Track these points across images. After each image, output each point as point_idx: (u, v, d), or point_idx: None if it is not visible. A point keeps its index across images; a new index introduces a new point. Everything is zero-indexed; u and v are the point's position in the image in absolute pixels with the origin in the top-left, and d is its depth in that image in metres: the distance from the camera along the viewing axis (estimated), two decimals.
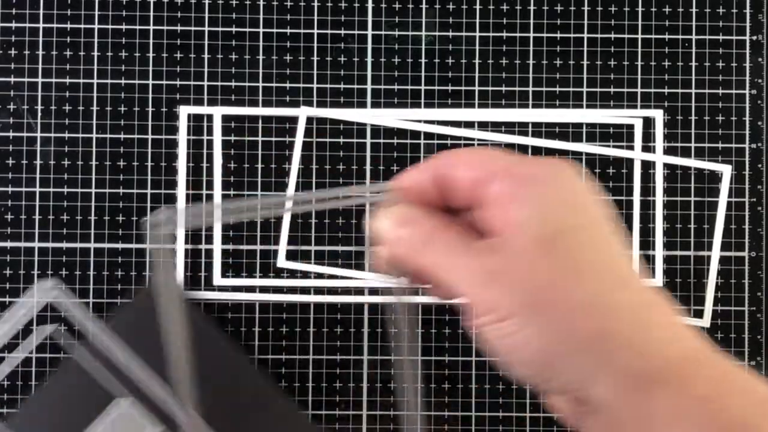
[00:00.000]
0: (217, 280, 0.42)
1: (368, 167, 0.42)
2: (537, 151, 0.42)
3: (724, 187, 0.42)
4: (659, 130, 0.42)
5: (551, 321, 0.20)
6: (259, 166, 0.42)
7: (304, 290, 0.42)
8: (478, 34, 0.42)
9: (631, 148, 0.42)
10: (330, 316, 0.42)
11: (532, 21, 0.42)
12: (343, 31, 0.42)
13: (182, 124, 0.42)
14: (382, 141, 0.42)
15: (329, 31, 0.42)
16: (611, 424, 0.21)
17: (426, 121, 0.42)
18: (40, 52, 0.42)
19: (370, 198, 0.27)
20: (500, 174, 0.22)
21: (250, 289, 0.42)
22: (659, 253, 0.42)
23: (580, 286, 0.20)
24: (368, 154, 0.42)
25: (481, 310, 0.21)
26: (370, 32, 0.42)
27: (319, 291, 0.42)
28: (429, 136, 0.42)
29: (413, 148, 0.42)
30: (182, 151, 0.42)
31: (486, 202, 0.22)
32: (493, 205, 0.22)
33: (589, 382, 0.20)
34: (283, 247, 0.42)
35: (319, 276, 0.42)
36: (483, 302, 0.21)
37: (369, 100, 0.42)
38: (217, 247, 0.42)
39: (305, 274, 0.42)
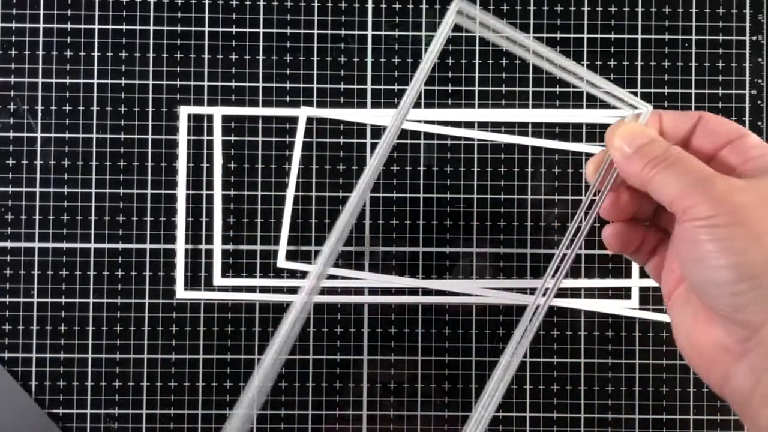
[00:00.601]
0: (217, 280, 0.42)
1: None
2: (537, 150, 0.42)
3: None
4: None
5: (764, 246, 0.23)
6: (259, 166, 0.42)
7: None
8: (478, 34, 0.42)
9: None
10: (330, 316, 0.42)
11: (532, 21, 0.42)
12: (343, 31, 0.42)
13: (182, 124, 0.42)
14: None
15: (329, 31, 0.42)
16: None
17: (426, 121, 0.42)
18: (40, 52, 0.42)
19: (619, 104, 0.30)
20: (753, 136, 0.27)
21: (250, 289, 0.42)
22: None
23: None
24: (368, 154, 0.42)
25: (701, 212, 0.24)
26: (370, 32, 0.42)
27: (319, 291, 0.42)
28: (429, 136, 0.42)
29: (413, 148, 0.42)
30: (182, 151, 0.42)
31: (730, 156, 0.27)
32: (733, 157, 0.27)
33: None
34: (283, 247, 0.42)
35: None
36: (706, 208, 0.24)
37: (369, 100, 0.42)
38: (217, 247, 0.42)
39: (305, 274, 0.42)
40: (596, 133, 0.42)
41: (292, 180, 0.42)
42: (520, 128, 0.42)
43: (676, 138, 0.28)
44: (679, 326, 0.28)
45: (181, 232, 0.42)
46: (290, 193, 0.42)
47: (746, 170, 0.26)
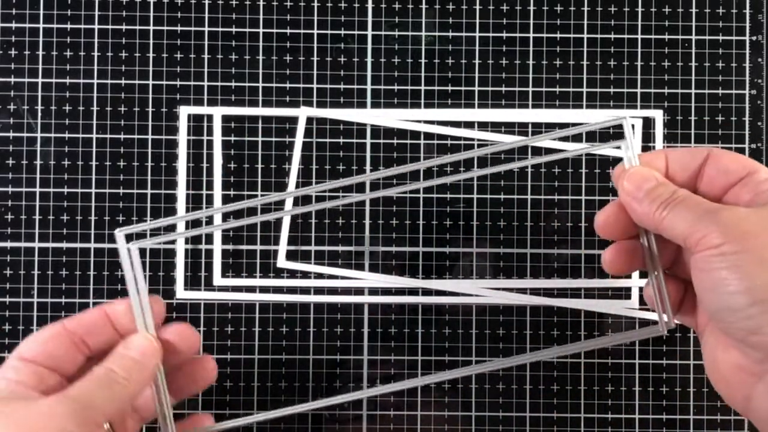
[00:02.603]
0: (217, 280, 0.42)
1: (368, 167, 0.42)
2: (537, 151, 0.42)
3: None
4: (659, 130, 0.42)
5: None
6: (259, 166, 0.42)
7: (304, 290, 0.42)
8: (478, 34, 0.42)
9: None
10: (330, 316, 0.42)
11: (532, 21, 0.42)
12: (343, 31, 0.42)
13: (182, 124, 0.42)
14: (382, 141, 0.42)
15: (329, 31, 0.42)
16: None
17: (426, 121, 0.42)
18: (40, 52, 0.42)
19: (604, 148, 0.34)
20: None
21: (250, 289, 0.42)
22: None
23: None
24: (368, 154, 0.42)
25: (712, 240, 0.25)
26: (370, 32, 0.42)
27: (319, 291, 0.42)
28: (429, 136, 0.42)
29: (413, 148, 0.42)
30: (182, 151, 0.42)
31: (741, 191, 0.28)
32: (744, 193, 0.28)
33: None
34: (283, 247, 0.42)
35: (319, 276, 0.42)
36: (716, 236, 0.25)
37: (369, 100, 0.42)
38: (217, 247, 0.42)
39: (305, 274, 0.42)
40: (596, 133, 0.42)
41: (292, 180, 0.42)
42: (520, 128, 0.42)
43: (685, 176, 0.30)
44: (707, 354, 0.29)
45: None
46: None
47: (755, 202, 0.27)
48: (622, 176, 0.29)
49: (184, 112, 0.42)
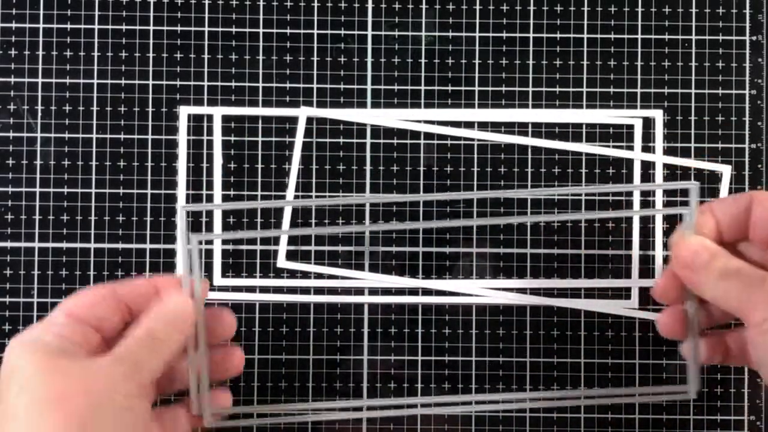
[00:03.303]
0: (217, 280, 0.42)
1: (368, 167, 0.42)
2: (537, 151, 0.42)
3: (724, 187, 0.42)
4: (659, 131, 0.42)
5: None
6: (259, 166, 0.42)
7: (304, 290, 0.42)
8: (478, 34, 0.42)
9: (631, 148, 0.42)
10: (330, 316, 0.42)
11: (532, 21, 0.42)
12: (343, 31, 0.42)
13: (182, 124, 0.42)
14: (382, 141, 0.42)
15: (329, 31, 0.42)
16: None
17: (426, 121, 0.42)
18: (40, 52, 0.42)
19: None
20: None
21: (250, 289, 0.42)
22: (659, 253, 0.42)
23: None
24: (368, 154, 0.42)
25: (758, 316, 0.26)
26: (370, 32, 0.42)
27: (319, 291, 0.42)
28: (429, 136, 0.42)
29: (413, 148, 0.42)
30: (182, 151, 0.42)
31: None
32: None
33: None
34: (283, 247, 0.42)
35: (319, 276, 0.42)
36: (762, 310, 0.26)
37: (369, 100, 0.42)
38: (217, 247, 0.42)
39: (305, 274, 0.42)
40: (596, 133, 0.42)
41: (292, 180, 0.42)
42: (520, 128, 0.42)
43: (734, 226, 0.30)
44: None
45: (181, 232, 0.42)
46: (290, 193, 0.42)
47: None
48: (679, 245, 0.30)
49: (184, 112, 0.42)
